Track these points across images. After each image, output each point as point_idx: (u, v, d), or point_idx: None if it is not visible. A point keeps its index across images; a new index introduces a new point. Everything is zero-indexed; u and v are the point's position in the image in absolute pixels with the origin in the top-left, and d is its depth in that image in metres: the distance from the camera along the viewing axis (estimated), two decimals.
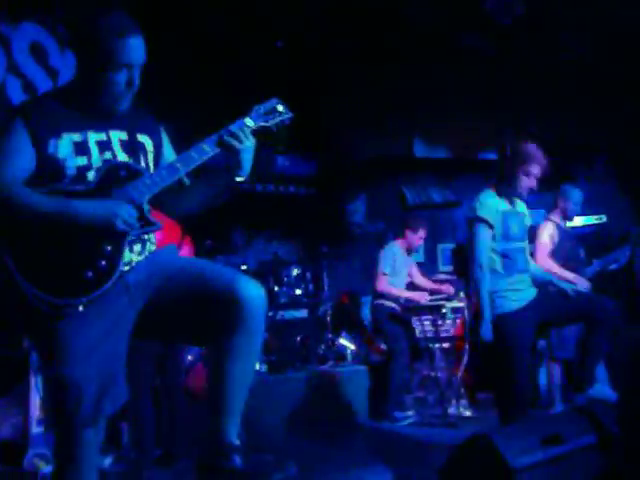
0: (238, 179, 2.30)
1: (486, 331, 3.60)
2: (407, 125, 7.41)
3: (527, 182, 3.71)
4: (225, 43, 6.29)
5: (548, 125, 7.07)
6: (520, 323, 3.62)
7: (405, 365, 5.67)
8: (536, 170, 3.70)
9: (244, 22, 6.14)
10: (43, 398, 3.79)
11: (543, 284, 3.85)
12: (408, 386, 5.88)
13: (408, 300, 5.85)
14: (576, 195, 5.25)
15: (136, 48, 2.15)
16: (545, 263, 4.91)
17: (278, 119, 2.40)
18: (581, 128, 7.22)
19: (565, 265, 5.04)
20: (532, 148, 3.72)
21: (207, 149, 2.26)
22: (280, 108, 2.41)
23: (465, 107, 7.11)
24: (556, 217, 5.25)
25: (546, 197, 7.34)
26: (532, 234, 4.63)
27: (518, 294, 3.66)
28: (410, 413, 5.53)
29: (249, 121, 2.34)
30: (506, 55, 6.59)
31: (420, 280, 6.11)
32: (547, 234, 5.11)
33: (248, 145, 2.28)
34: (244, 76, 6.62)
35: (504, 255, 3.67)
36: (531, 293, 3.71)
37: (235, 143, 2.26)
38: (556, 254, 5.06)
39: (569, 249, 5.16)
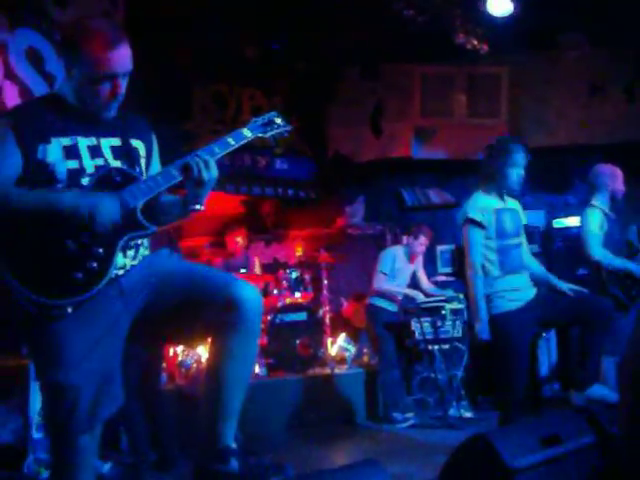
0: (195, 209, 2.24)
1: (483, 331, 3.60)
2: (405, 127, 7.40)
3: (515, 178, 3.73)
4: (225, 43, 6.31)
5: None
6: (518, 324, 3.62)
7: (391, 366, 5.68)
8: (520, 168, 3.73)
9: (242, 23, 6.16)
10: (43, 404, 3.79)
11: (541, 283, 3.86)
12: (407, 387, 5.86)
13: (407, 299, 5.85)
14: (620, 174, 4.62)
15: (119, 59, 2.10)
16: (598, 254, 4.40)
17: (276, 131, 2.43)
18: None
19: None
20: (514, 147, 3.74)
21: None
22: (278, 121, 2.44)
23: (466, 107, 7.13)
24: (602, 203, 4.58)
25: (546, 197, 7.37)
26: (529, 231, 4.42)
27: (516, 294, 3.67)
28: (410, 415, 5.52)
29: (247, 132, 2.34)
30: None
31: (425, 287, 6.09)
32: (595, 222, 4.48)
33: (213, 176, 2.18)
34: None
35: (500, 252, 3.68)
36: (530, 293, 3.72)
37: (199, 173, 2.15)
38: (606, 245, 4.50)
39: (619, 240, 4.63)
